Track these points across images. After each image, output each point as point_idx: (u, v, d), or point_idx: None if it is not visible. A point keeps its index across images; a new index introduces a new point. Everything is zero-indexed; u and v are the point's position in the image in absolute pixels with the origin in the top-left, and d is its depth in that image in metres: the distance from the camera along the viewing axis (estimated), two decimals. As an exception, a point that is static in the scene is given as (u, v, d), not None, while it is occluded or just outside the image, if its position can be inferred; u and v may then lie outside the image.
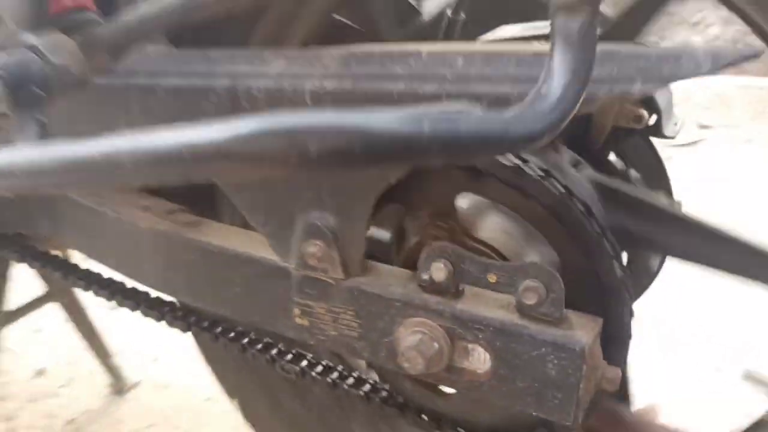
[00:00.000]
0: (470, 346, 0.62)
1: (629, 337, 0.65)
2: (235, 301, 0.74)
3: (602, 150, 0.81)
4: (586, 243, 0.63)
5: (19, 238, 1.10)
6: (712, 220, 0.71)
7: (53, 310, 1.73)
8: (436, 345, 0.61)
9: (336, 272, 0.66)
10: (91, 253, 0.88)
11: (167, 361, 1.89)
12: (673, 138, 0.79)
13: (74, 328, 1.60)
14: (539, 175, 0.62)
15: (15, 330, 1.43)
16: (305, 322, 0.70)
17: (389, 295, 0.64)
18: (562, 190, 0.62)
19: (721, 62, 0.47)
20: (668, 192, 0.84)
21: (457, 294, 0.62)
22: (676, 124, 0.82)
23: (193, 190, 0.86)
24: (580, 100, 0.40)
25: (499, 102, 0.53)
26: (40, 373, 1.86)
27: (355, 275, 0.66)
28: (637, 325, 0.66)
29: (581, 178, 0.71)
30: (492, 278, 0.59)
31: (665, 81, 0.49)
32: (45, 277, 1.47)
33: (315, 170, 0.36)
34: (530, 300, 0.57)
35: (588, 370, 0.57)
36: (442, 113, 0.35)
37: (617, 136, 0.78)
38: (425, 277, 0.62)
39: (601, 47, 0.52)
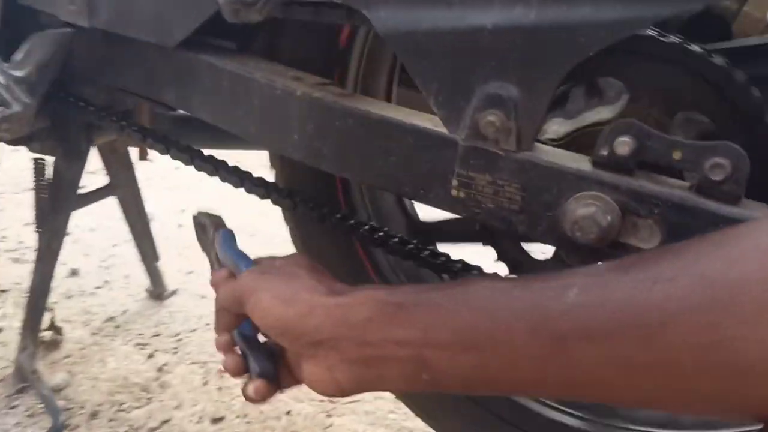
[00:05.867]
0: (640, 222, 0.65)
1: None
2: (388, 171, 0.76)
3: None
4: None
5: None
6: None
7: (84, 215, 1.71)
8: (608, 217, 0.64)
9: (509, 144, 0.68)
10: (223, 122, 0.88)
11: (203, 275, 1.90)
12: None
13: (127, 223, 1.60)
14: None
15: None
16: (461, 194, 0.72)
17: (564, 168, 0.67)
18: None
19: None
20: None
21: (630, 173, 0.65)
22: None
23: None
24: None
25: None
26: (74, 272, 1.86)
27: (526, 149, 0.69)
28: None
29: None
30: (677, 155, 0.62)
31: None
32: (109, 170, 1.45)
33: None
34: (717, 176, 0.60)
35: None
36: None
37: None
38: (604, 152, 0.65)
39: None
